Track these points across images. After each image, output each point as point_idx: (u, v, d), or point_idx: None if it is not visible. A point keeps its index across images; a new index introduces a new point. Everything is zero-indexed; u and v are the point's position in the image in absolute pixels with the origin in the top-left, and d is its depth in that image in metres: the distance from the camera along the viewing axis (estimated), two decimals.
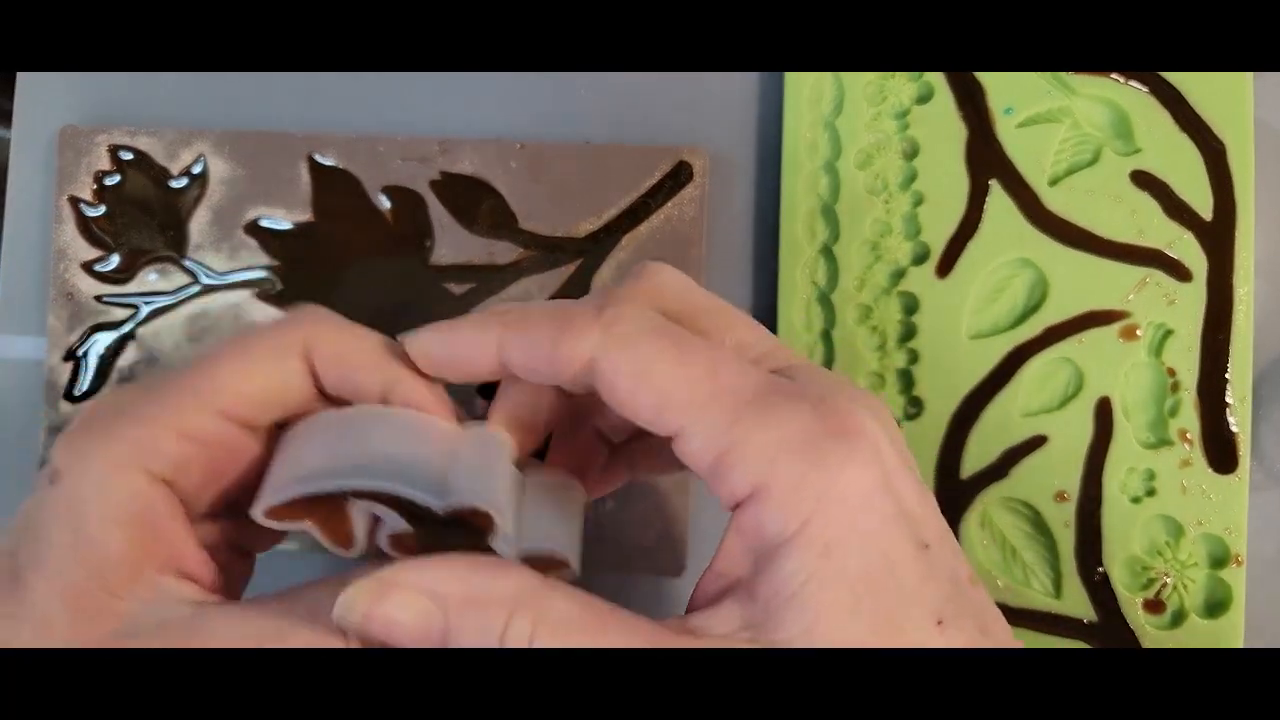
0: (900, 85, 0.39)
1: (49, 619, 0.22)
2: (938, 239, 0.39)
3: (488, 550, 0.25)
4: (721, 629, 0.22)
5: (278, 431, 0.26)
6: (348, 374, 0.25)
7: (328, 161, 0.40)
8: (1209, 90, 0.38)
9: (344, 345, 0.25)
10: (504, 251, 0.40)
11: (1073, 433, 0.38)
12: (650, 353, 0.23)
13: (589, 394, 0.24)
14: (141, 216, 0.40)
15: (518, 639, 0.21)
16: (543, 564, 0.25)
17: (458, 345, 0.25)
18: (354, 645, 0.23)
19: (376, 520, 0.26)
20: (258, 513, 0.24)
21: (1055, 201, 0.38)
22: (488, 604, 0.22)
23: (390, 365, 0.25)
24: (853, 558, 0.21)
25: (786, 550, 0.21)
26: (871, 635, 0.21)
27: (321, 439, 0.25)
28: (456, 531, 0.24)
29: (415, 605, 0.22)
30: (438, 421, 0.25)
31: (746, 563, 0.23)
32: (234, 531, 0.28)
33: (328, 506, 0.25)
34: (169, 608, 0.23)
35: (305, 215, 0.40)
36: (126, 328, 0.39)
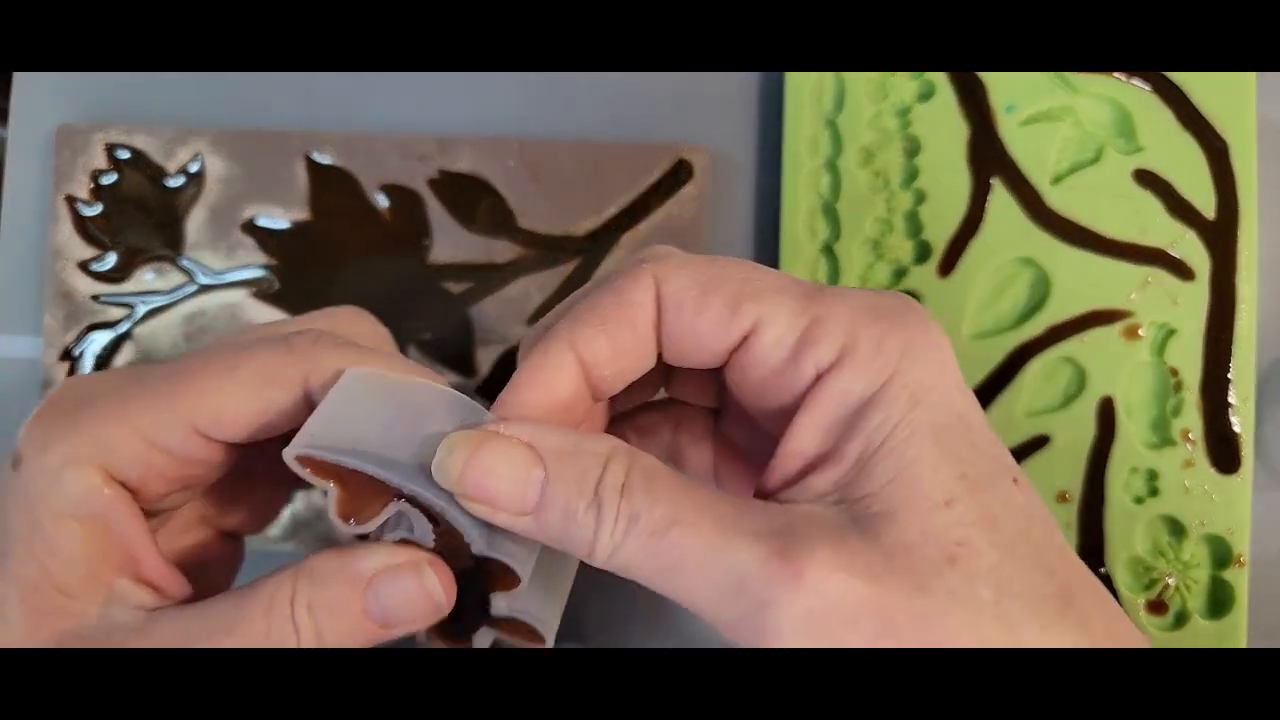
0: (902, 83, 0.39)
1: (6, 613, 0.22)
2: (939, 237, 0.38)
3: (482, 598, 0.24)
4: (809, 495, 0.22)
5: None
6: None
7: (325, 160, 0.40)
8: (1211, 88, 0.38)
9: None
10: (502, 250, 0.39)
11: (1075, 433, 0.38)
12: (711, 264, 0.23)
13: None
14: (138, 215, 0.39)
15: (613, 484, 0.21)
16: (513, 629, 0.25)
17: (533, 383, 0.23)
18: (306, 639, 0.22)
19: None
20: (291, 455, 0.22)
21: (1057, 200, 0.38)
22: (585, 454, 0.22)
23: None
24: (937, 410, 0.22)
25: (874, 404, 0.22)
26: (958, 481, 0.21)
27: (383, 409, 0.23)
28: (472, 572, 0.24)
29: (516, 454, 0.22)
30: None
31: (828, 436, 0.22)
32: (215, 513, 0.27)
33: (362, 481, 0.23)
34: (121, 612, 0.23)
35: (303, 214, 0.39)
36: (123, 327, 0.39)
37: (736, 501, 0.22)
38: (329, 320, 0.27)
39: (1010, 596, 0.21)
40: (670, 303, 0.23)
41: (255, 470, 0.27)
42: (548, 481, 0.21)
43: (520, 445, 0.22)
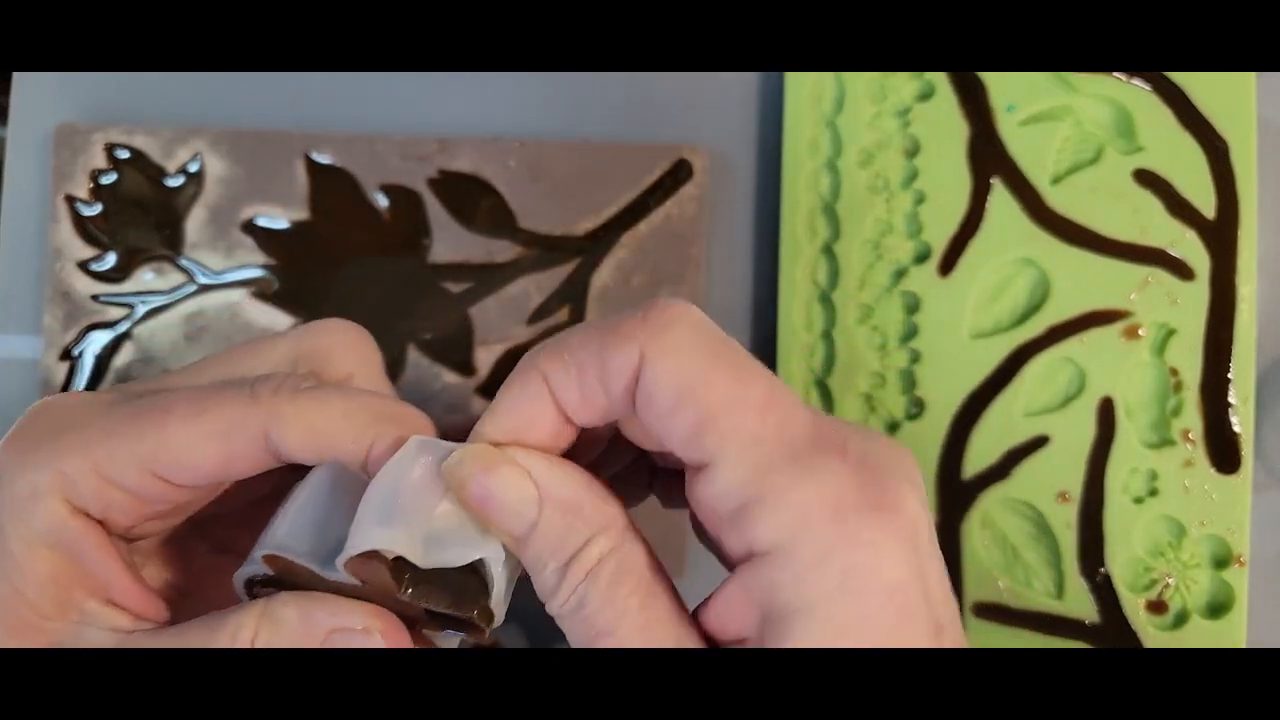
0: (901, 83, 0.39)
1: None
2: (939, 238, 0.38)
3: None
4: None
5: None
6: (321, 456, 0.23)
7: (325, 160, 0.40)
8: (1212, 88, 0.38)
9: (312, 432, 0.23)
10: (502, 250, 0.39)
11: (1075, 433, 0.38)
12: (702, 367, 0.21)
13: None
14: (138, 215, 0.39)
15: (585, 561, 0.22)
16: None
17: (512, 414, 0.23)
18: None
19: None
20: (238, 582, 0.24)
21: (1057, 200, 0.38)
22: (580, 516, 0.22)
23: (364, 437, 0.23)
24: (862, 641, 0.20)
25: (798, 623, 0.20)
26: None
27: (336, 496, 0.24)
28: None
29: (520, 489, 0.22)
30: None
31: (751, 619, 0.21)
32: (223, 534, 0.27)
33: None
34: (95, 634, 0.23)
35: (302, 214, 0.39)
36: (123, 327, 0.39)
37: (680, 637, 0.22)
38: (316, 339, 0.26)
39: None
40: (644, 390, 0.21)
41: (246, 486, 0.27)
42: (535, 526, 0.22)
43: (527, 480, 0.22)
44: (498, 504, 0.22)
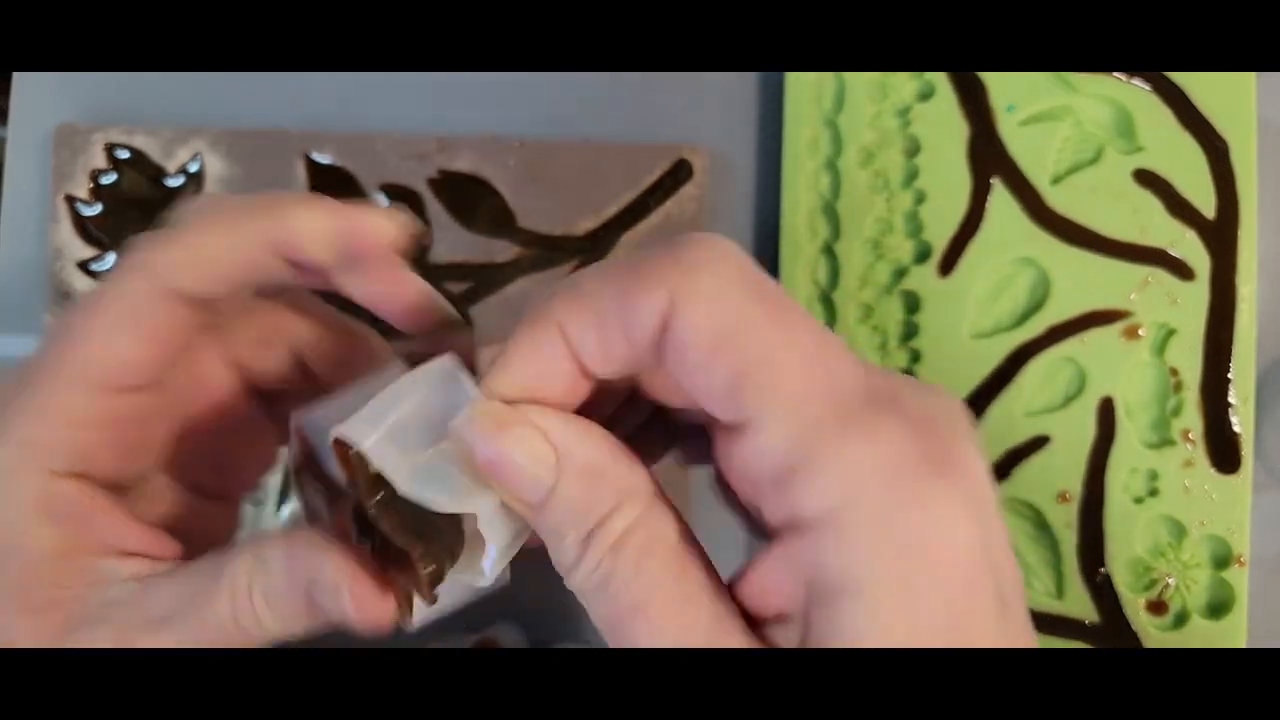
0: (902, 82, 0.39)
1: (5, 622, 0.22)
2: (940, 237, 0.38)
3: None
4: (770, 642, 0.21)
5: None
6: (212, 283, 0.23)
7: (325, 160, 0.39)
8: (1212, 89, 0.38)
9: (197, 266, 0.23)
10: (502, 250, 0.39)
11: (1075, 433, 0.38)
12: (740, 313, 0.19)
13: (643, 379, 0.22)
14: (138, 215, 0.39)
15: (611, 532, 0.20)
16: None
17: (525, 367, 0.21)
18: (266, 624, 0.22)
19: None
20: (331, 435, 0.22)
21: (1057, 200, 0.38)
22: (604, 482, 0.20)
23: (240, 259, 0.23)
24: (928, 619, 0.18)
25: (854, 598, 0.18)
26: None
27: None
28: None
29: (536, 451, 0.20)
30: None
31: (794, 593, 0.19)
32: (201, 477, 0.26)
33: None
34: (114, 589, 0.23)
35: None
36: None
37: (719, 613, 0.20)
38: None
39: None
40: (675, 339, 0.19)
41: (230, 432, 0.26)
42: (554, 492, 0.20)
43: (543, 442, 0.20)
44: (510, 469, 0.20)
